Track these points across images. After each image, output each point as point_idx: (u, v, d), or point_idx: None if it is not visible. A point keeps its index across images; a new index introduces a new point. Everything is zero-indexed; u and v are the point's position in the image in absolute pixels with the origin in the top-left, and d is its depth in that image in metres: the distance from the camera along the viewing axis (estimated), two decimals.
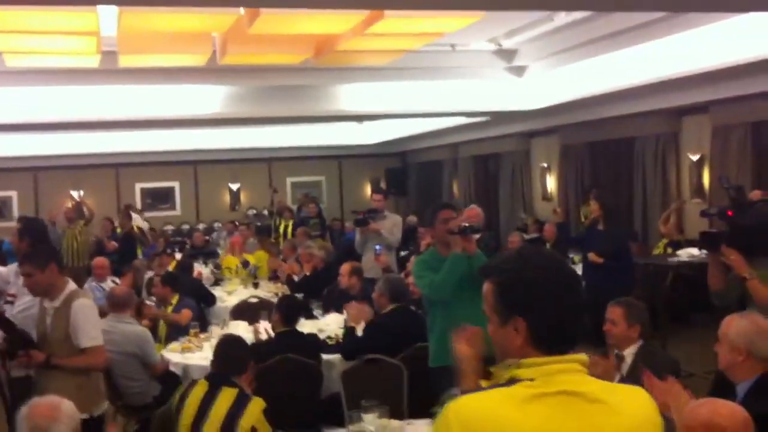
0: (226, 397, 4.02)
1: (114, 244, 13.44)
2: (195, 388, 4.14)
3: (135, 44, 7.72)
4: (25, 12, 6.14)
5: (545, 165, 14.17)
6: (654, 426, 1.86)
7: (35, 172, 17.02)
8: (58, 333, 4.33)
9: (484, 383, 2.05)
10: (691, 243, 9.52)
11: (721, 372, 3.49)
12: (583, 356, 1.85)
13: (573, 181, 13.16)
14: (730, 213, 4.47)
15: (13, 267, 5.74)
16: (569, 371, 1.82)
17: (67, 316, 4.32)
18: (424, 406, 3.85)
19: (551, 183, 14.02)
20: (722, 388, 3.27)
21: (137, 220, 13.50)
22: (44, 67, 8.68)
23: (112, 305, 6.12)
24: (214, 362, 4.32)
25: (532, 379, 1.80)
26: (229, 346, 4.40)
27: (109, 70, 8.88)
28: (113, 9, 6.46)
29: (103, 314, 6.40)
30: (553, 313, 1.85)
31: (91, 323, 4.39)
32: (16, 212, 16.74)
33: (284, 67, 9.44)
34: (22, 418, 2.99)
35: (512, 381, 1.82)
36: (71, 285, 4.49)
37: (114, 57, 8.27)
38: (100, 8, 6.45)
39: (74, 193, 17.41)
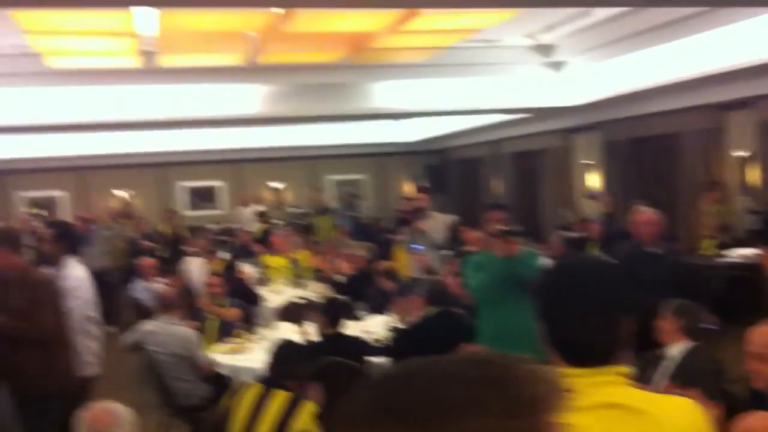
0: (278, 400, 4.01)
1: (149, 243, 13.57)
2: (249, 391, 4.14)
3: (174, 44, 7.81)
4: (63, 13, 6.24)
5: (587, 161, 14.00)
6: None
7: (81, 172, 17.28)
8: None
9: None
10: (739, 242, 9.30)
11: (757, 390, 3.34)
12: (623, 368, 1.80)
13: (617, 177, 12.98)
14: None
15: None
16: (609, 383, 1.77)
17: None
18: None
19: (594, 180, 13.84)
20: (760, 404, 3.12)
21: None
22: (85, 68, 8.81)
23: (161, 306, 6.20)
24: (270, 365, 4.30)
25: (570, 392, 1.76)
26: (286, 350, 4.40)
27: (150, 70, 8.98)
28: (154, 10, 6.53)
29: (152, 315, 6.52)
30: (554, 325, 1.82)
31: None
32: (66, 211, 17.09)
33: (321, 65, 9.46)
34: (82, 422, 3.01)
35: None
36: None
37: (155, 57, 8.36)
38: (142, 9, 6.53)
39: (119, 193, 17.68)
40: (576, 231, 11.23)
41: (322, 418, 4.10)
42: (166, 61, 8.55)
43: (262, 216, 15.68)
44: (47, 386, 4.70)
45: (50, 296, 4.80)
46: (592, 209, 11.88)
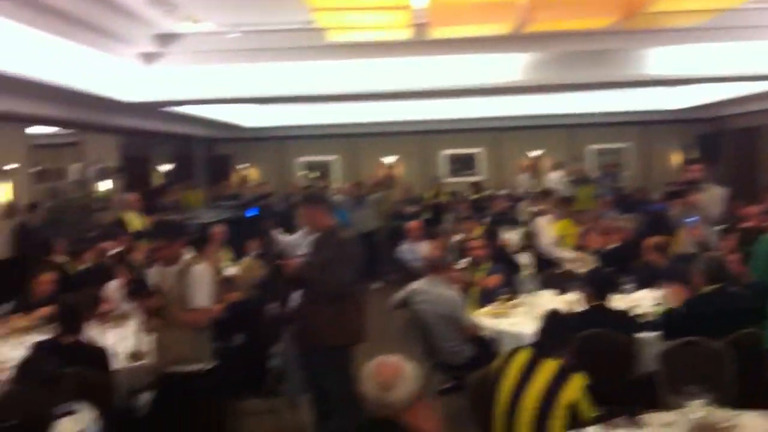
0: (547, 369, 4.02)
1: (410, 209, 14.12)
2: (517, 356, 4.18)
3: (445, 16, 7.98)
4: None
5: None
6: None
7: (354, 139, 18.33)
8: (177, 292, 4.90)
9: None
10: None
11: None
12: None
13: None
14: None
15: (302, 232, 6.46)
16: None
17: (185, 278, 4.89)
18: (755, 395, 3.60)
19: None
20: None
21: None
22: (360, 41, 9.28)
23: (427, 268, 6.49)
24: (540, 334, 4.33)
25: None
26: (556, 320, 4.41)
27: (420, 42, 9.26)
28: None
29: (418, 275, 6.84)
30: None
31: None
32: (337, 175, 18.35)
33: (589, 32, 9.23)
34: (368, 375, 3.16)
35: None
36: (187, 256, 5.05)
37: (424, 29, 8.61)
38: None
39: (386, 160, 18.56)
40: None
41: (590, 390, 4.08)
42: (437, 32, 8.76)
43: (476, 186, 15.84)
44: (336, 339, 5.10)
45: (352, 255, 5.22)
46: None
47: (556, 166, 16.89)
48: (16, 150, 10.30)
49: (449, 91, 11.39)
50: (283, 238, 7.73)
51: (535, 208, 10.31)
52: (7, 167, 9.97)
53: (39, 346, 4.94)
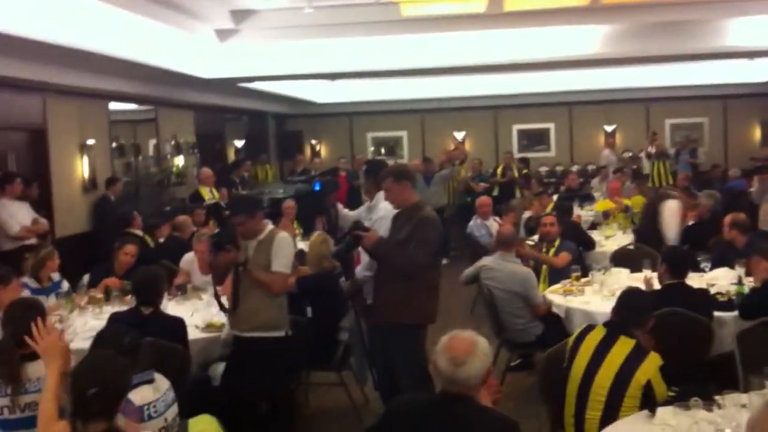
0: (622, 347, 3.94)
1: (482, 185, 14.00)
2: (591, 333, 4.11)
3: None
4: None
5: None
6: None
7: (423, 114, 18.25)
8: (259, 261, 4.99)
9: None
10: None
11: None
12: None
13: None
14: None
15: (364, 207, 6.56)
16: None
17: (268, 247, 4.99)
18: None
19: None
20: None
21: None
22: (434, 15, 9.21)
23: (499, 244, 6.44)
24: (615, 310, 4.24)
25: None
26: (633, 297, 4.33)
27: (495, 15, 9.15)
28: None
29: (488, 252, 6.79)
30: None
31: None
32: (406, 151, 18.27)
33: (668, 3, 8.98)
34: (441, 350, 3.15)
35: None
36: (270, 226, 5.22)
37: (499, 2, 8.51)
38: None
39: (457, 135, 18.43)
40: None
41: (664, 369, 4.00)
42: (512, 5, 8.65)
43: (524, 162, 15.60)
44: (407, 318, 5.08)
45: (431, 235, 5.10)
46: None
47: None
48: (96, 126, 10.58)
49: (524, 64, 11.24)
50: (347, 213, 7.75)
51: (664, 191, 9.74)
52: (87, 142, 10.24)
53: (117, 317, 5.08)
